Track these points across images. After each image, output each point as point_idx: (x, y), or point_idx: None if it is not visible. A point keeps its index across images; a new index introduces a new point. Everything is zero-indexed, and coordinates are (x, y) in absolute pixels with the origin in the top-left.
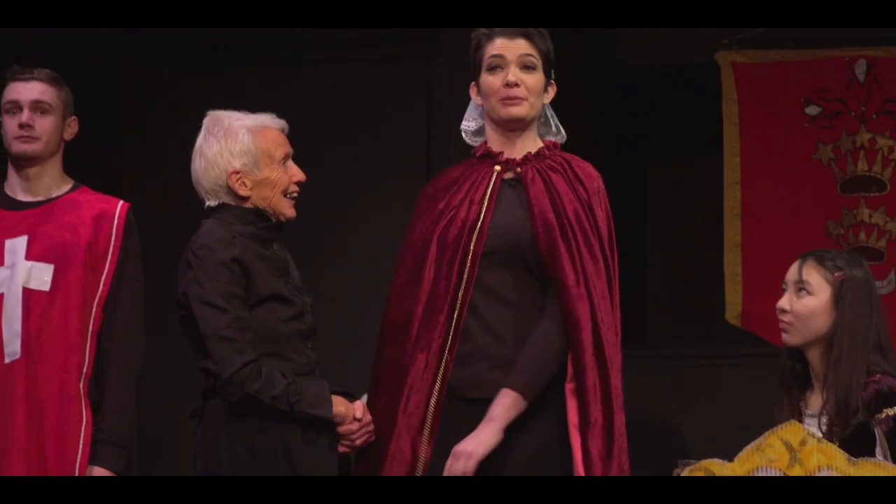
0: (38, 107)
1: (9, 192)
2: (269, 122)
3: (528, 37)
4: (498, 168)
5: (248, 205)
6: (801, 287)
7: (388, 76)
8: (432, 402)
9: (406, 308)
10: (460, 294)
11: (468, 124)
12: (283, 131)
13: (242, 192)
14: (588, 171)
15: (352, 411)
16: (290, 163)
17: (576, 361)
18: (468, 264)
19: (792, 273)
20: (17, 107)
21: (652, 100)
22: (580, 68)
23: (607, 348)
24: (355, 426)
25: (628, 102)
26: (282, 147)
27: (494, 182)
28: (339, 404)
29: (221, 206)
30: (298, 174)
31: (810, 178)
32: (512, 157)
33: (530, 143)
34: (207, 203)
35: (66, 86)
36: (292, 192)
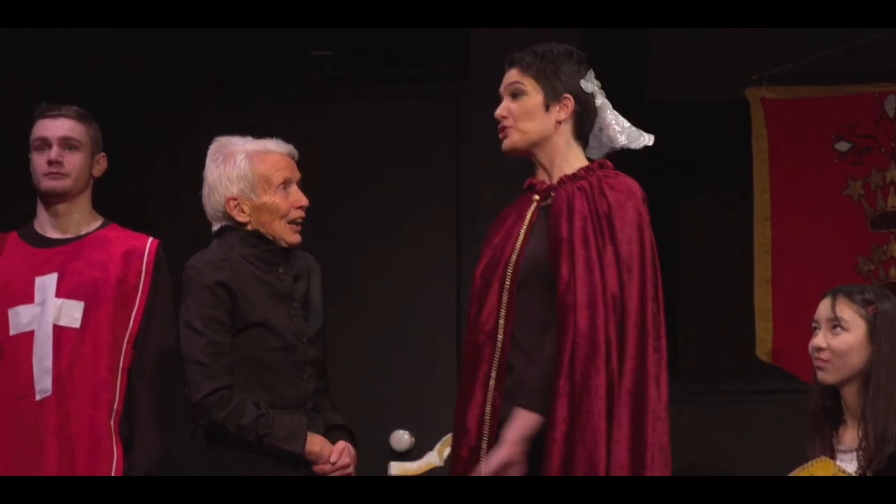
0: (67, 143)
1: (38, 229)
2: (271, 147)
3: (515, 64)
4: (536, 198)
5: (250, 228)
6: (836, 324)
7: (416, 113)
8: (484, 441)
9: (464, 349)
10: (500, 329)
11: None
12: (289, 156)
13: (240, 217)
14: (618, 185)
15: (328, 451)
16: (294, 188)
17: (554, 365)
18: (505, 298)
19: (824, 310)
20: (45, 143)
21: (682, 136)
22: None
23: (579, 355)
24: (328, 468)
25: (659, 139)
26: (282, 172)
27: (532, 213)
28: (315, 443)
29: (226, 228)
30: (301, 200)
31: (840, 214)
32: (552, 183)
33: (566, 164)
34: (213, 227)
35: (95, 122)
36: (294, 218)
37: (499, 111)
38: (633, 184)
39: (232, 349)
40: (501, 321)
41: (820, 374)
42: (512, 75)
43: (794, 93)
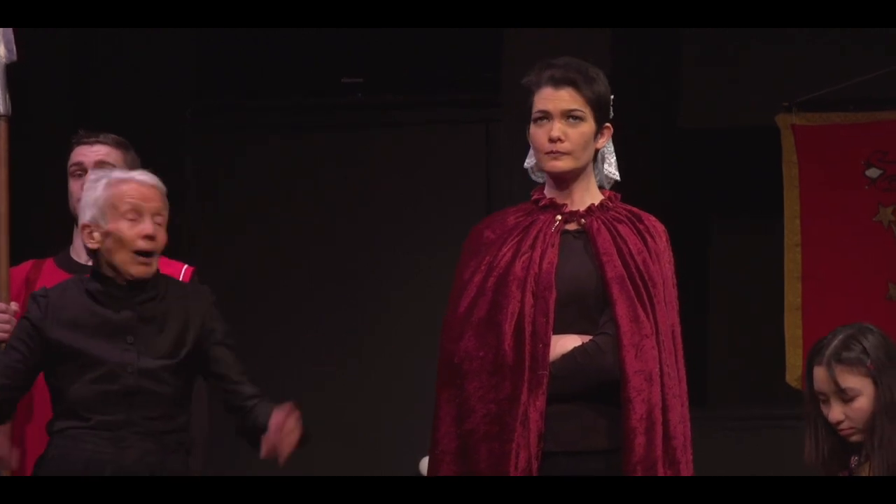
0: (102, 168)
1: (73, 255)
2: (133, 176)
3: (574, 85)
4: (559, 218)
5: (101, 260)
6: (844, 395)
7: (447, 139)
8: (534, 463)
9: (487, 366)
10: (539, 348)
11: (532, 161)
12: (151, 187)
13: (91, 244)
14: (656, 225)
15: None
16: (145, 218)
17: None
18: (547, 317)
19: (825, 384)
20: (81, 169)
21: (713, 163)
22: (643, 133)
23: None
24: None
25: (690, 165)
26: (131, 199)
27: (556, 233)
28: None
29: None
30: (146, 229)
31: (871, 241)
32: (574, 208)
33: (588, 194)
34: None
35: (132, 150)
36: (140, 248)
37: (556, 133)
38: (661, 224)
39: (24, 375)
40: (540, 342)
41: (851, 440)
42: (567, 98)
43: (825, 119)
